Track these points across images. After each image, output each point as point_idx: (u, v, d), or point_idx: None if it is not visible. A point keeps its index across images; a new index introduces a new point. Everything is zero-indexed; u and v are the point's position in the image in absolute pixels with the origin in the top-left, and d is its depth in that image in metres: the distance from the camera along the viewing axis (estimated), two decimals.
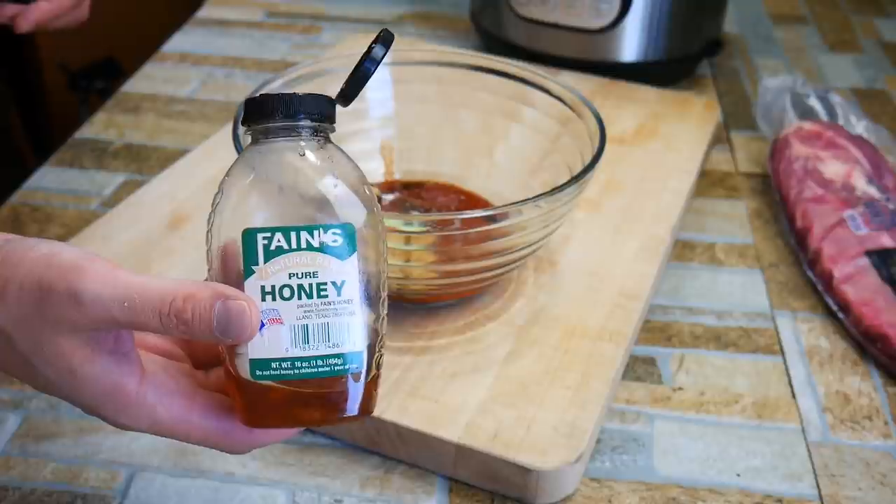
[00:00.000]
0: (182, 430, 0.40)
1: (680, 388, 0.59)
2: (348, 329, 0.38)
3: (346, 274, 0.38)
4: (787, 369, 0.61)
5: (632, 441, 0.56)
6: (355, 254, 0.39)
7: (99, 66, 1.58)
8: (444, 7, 1.13)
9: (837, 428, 0.57)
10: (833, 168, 0.72)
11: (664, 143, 0.79)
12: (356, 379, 0.39)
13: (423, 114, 0.69)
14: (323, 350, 0.38)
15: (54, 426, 0.55)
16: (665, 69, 0.93)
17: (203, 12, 1.10)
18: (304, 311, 0.38)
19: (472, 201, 0.67)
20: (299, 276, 0.38)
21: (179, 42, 1.02)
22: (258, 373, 0.38)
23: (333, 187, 0.39)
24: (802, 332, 0.65)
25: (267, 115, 0.40)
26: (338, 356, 0.38)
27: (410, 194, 0.67)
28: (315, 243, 0.38)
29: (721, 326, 0.65)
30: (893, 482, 0.54)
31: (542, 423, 0.52)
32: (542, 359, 0.57)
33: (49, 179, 0.77)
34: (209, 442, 0.41)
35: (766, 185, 0.80)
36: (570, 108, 0.63)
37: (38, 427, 0.55)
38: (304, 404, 0.39)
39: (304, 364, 0.38)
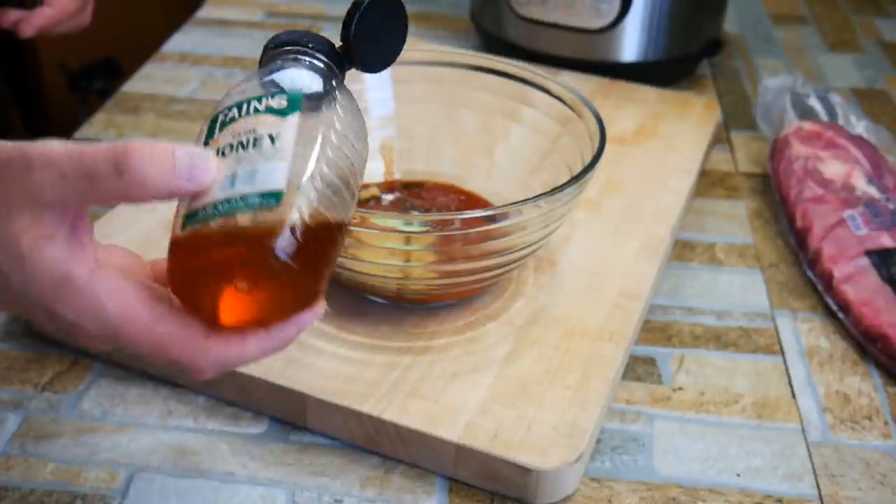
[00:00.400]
0: (131, 332, 0.38)
1: (680, 388, 0.59)
2: (275, 172, 0.38)
3: (283, 128, 0.39)
4: (787, 369, 0.61)
5: (632, 441, 0.56)
6: (297, 113, 0.40)
7: (99, 66, 1.58)
8: (444, 7, 1.13)
9: (837, 428, 0.57)
10: (833, 168, 0.72)
11: (664, 143, 0.79)
12: (277, 215, 0.37)
13: (423, 114, 0.69)
14: (246, 189, 0.38)
15: (54, 426, 0.55)
16: (665, 69, 0.93)
17: (203, 12, 1.10)
18: (238, 161, 0.38)
19: (472, 201, 0.67)
20: (241, 134, 0.39)
21: (179, 42, 1.02)
22: (186, 224, 0.38)
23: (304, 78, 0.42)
24: (802, 332, 0.65)
25: (275, 47, 0.45)
26: (260, 194, 0.38)
27: (410, 194, 0.67)
28: (261, 107, 0.40)
29: (721, 326, 0.65)
30: (893, 482, 0.54)
31: (542, 423, 0.52)
32: (542, 359, 0.57)
33: None
34: (162, 350, 0.38)
35: (766, 185, 0.80)
36: (570, 108, 0.63)
37: (38, 427, 0.55)
38: (229, 244, 0.37)
39: (226, 204, 0.37)
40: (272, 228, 0.37)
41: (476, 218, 0.53)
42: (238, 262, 0.37)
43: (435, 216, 0.58)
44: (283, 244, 0.37)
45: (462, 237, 0.53)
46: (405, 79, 0.68)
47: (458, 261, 0.55)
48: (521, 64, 0.67)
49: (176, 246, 0.38)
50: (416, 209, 0.65)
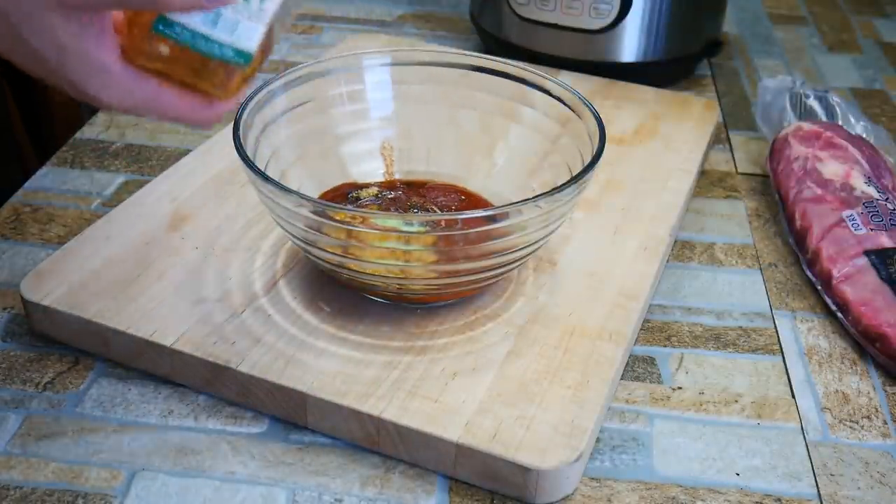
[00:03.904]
0: (155, 107, 0.47)
1: (679, 388, 0.60)
2: (254, 33, 0.46)
3: None
4: (786, 369, 0.62)
5: (631, 440, 0.56)
6: None
7: None
8: (444, 7, 1.13)
9: (836, 427, 0.57)
10: (832, 168, 0.73)
11: (663, 143, 0.79)
12: (234, 73, 0.46)
13: (423, 114, 0.69)
14: (224, 37, 0.45)
15: (55, 426, 0.55)
16: (665, 69, 0.93)
17: None
18: (231, 7, 0.45)
19: (473, 201, 0.67)
20: None
21: None
22: (160, 27, 0.44)
23: None
24: (801, 331, 0.65)
25: None
26: (235, 50, 0.46)
27: (411, 194, 0.67)
28: None
29: (720, 326, 0.65)
30: (892, 481, 0.54)
31: (541, 423, 0.52)
32: (542, 358, 0.57)
33: (50, 179, 0.77)
34: (178, 115, 0.48)
35: (766, 185, 0.81)
36: (570, 108, 0.63)
37: (38, 426, 0.55)
38: (195, 76, 0.46)
39: (203, 40, 0.45)
40: (227, 79, 0.47)
41: (476, 218, 0.53)
42: (195, 89, 0.47)
43: (435, 216, 0.58)
44: (227, 88, 0.47)
45: (462, 237, 0.54)
46: (405, 79, 0.68)
47: (458, 261, 0.55)
48: (520, 64, 0.67)
49: (140, 29, 0.45)
50: (416, 209, 0.65)
